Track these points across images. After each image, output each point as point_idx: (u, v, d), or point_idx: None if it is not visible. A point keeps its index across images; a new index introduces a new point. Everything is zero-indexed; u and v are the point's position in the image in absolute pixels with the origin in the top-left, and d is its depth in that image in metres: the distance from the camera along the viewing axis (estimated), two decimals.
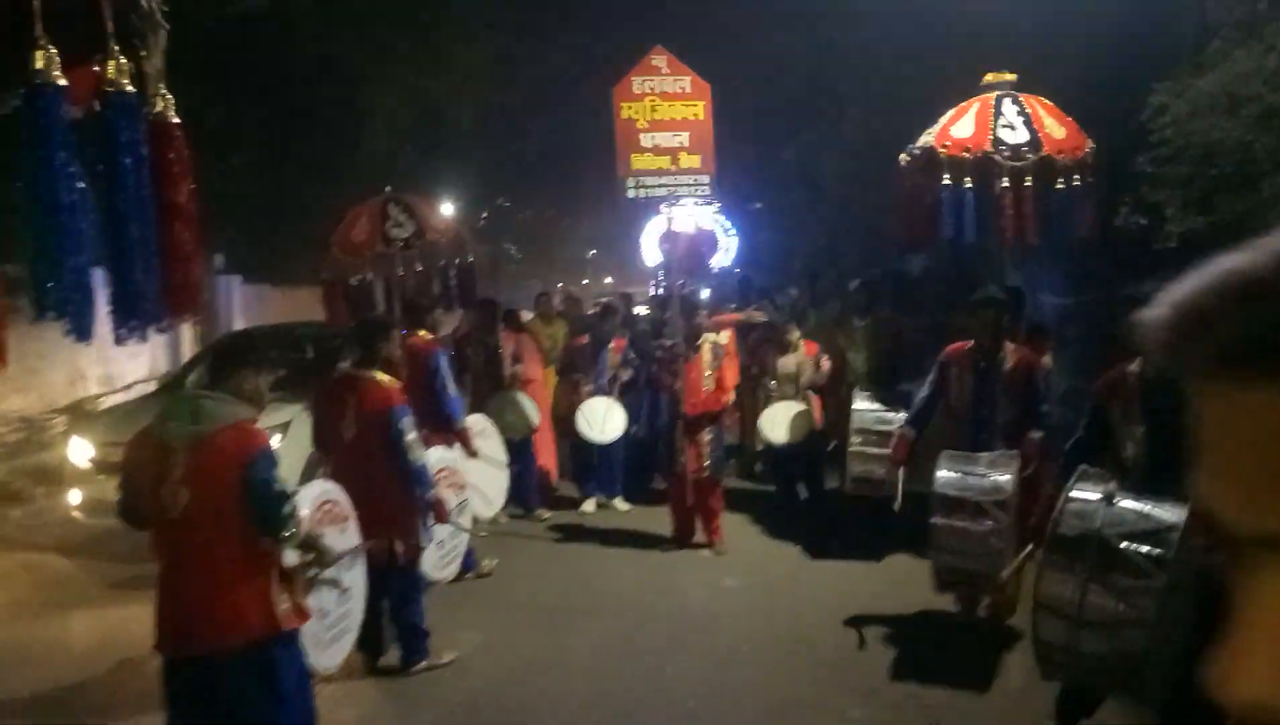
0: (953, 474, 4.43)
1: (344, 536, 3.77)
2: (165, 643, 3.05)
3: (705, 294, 9.89)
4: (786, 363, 7.33)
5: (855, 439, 5.85)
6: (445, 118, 15.65)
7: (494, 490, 6.37)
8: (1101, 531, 3.02)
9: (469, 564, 5.92)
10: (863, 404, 5.92)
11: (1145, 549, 2.97)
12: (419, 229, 7.20)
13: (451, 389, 5.87)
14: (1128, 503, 3.08)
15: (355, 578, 4.05)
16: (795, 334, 7.43)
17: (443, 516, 4.71)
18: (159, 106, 2.86)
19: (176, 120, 2.91)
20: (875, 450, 5.84)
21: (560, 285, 14.72)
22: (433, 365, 5.81)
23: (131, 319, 2.79)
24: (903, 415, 5.49)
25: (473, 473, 5.77)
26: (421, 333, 6.09)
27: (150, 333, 2.94)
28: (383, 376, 4.53)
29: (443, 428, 5.72)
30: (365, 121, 14.88)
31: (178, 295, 2.94)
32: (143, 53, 2.86)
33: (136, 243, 2.74)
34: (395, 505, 4.44)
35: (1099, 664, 3.04)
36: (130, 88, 2.72)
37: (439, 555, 5.03)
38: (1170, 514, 3.00)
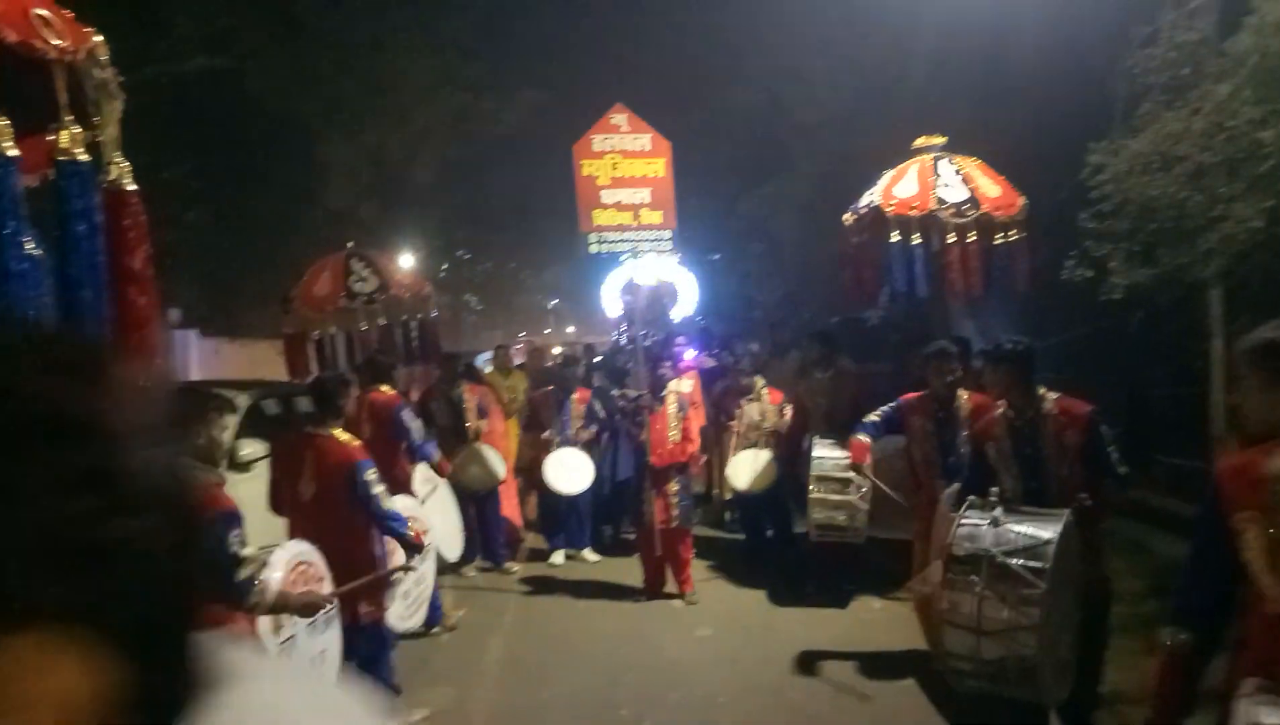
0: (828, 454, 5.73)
1: (330, 598, 3.76)
2: None
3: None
4: (751, 411, 7.50)
5: (816, 487, 5.94)
6: (405, 173, 15.79)
7: (450, 540, 6.42)
8: (990, 551, 3.43)
9: (435, 618, 5.91)
10: (822, 452, 6.03)
11: (1027, 563, 3.38)
12: (382, 283, 7.26)
13: (418, 435, 5.99)
14: (1010, 525, 3.51)
15: (328, 640, 4.04)
16: (760, 383, 7.60)
17: (419, 544, 4.67)
18: (114, 174, 2.90)
19: (132, 187, 2.94)
20: (836, 497, 5.96)
21: (523, 336, 14.76)
22: (395, 419, 5.90)
23: None
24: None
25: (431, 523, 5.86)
26: (384, 388, 6.15)
27: None
28: (341, 433, 4.53)
29: (404, 481, 5.83)
30: (325, 176, 14.96)
31: (135, 360, 2.95)
32: (97, 120, 2.90)
33: (90, 309, 2.76)
34: (359, 562, 4.43)
35: (1000, 668, 3.38)
36: (84, 156, 2.76)
37: (404, 606, 5.03)
38: (1045, 531, 3.43)
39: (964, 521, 3.56)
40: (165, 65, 11.92)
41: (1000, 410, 4.01)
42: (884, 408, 5.50)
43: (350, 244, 7.69)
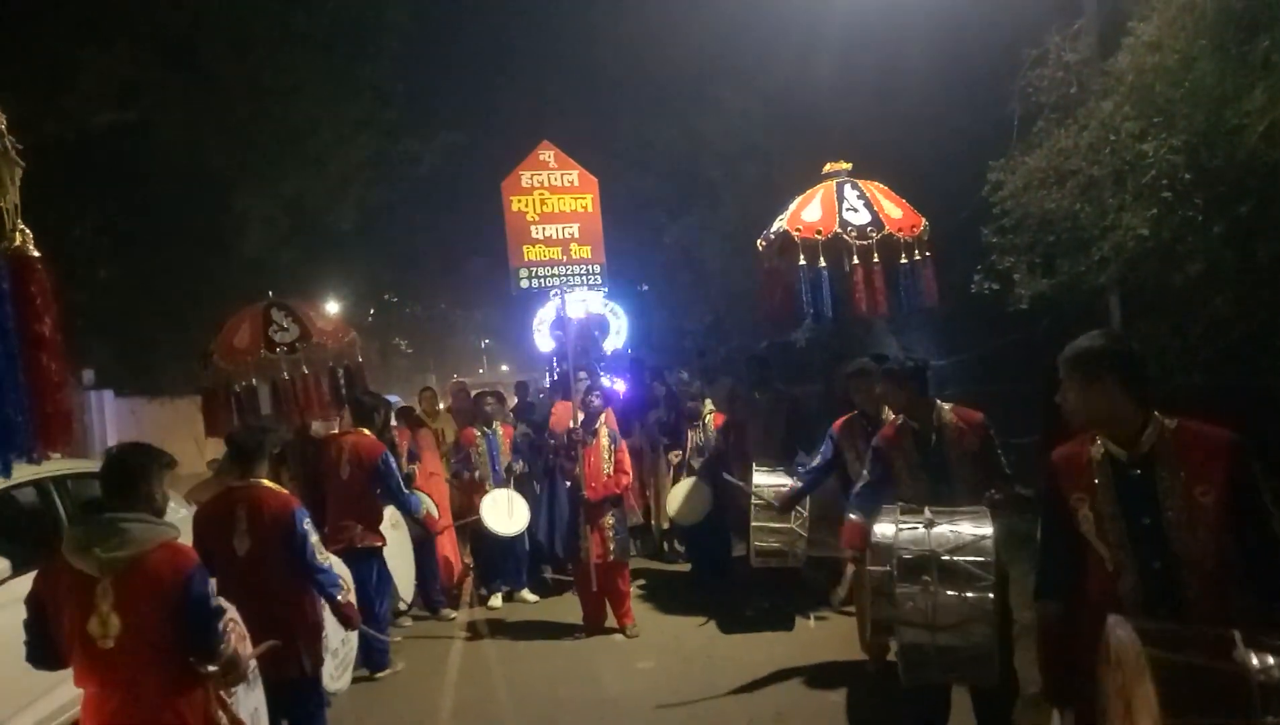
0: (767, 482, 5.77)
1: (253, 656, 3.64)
2: None
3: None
4: (696, 438, 7.56)
5: (756, 515, 5.98)
6: (325, 219, 15.57)
7: (405, 583, 6.41)
8: (935, 551, 3.61)
9: (384, 663, 5.95)
10: (762, 479, 6.08)
11: (972, 558, 3.57)
12: (304, 332, 7.11)
13: (400, 484, 6.14)
14: (944, 526, 3.70)
15: (258, 699, 3.91)
16: (707, 408, 7.64)
17: (355, 622, 4.59)
18: (17, 241, 2.84)
19: (36, 253, 2.89)
20: (776, 524, 6.01)
21: (454, 377, 14.58)
22: (380, 466, 6.01)
23: (2, 453, 2.73)
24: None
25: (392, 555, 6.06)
26: (365, 431, 6.26)
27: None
28: (272, 484, 4.43)
29: (373, 526, 5.95)
30: (241, 227, 14.67)
31: (49, 426, 2.87)
32: None
33: (1, 376, 2.70)
34: (296, 616, 4.30)
35: (954, 658, 3.56)
36: None
37: (334, 665, 4.91)
38: (979, 528, 3.66)
39: (903, 527, 3.72)
40: (71, 121, 11.61)
41: (901, 422, 4.27)
42: (821, 450, 5.59)
43: (270, 294, 7.53)
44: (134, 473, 3.01)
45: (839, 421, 5.47)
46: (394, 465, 6.18)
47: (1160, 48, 5.55)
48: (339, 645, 5.01)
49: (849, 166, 6.09)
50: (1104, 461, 2.62)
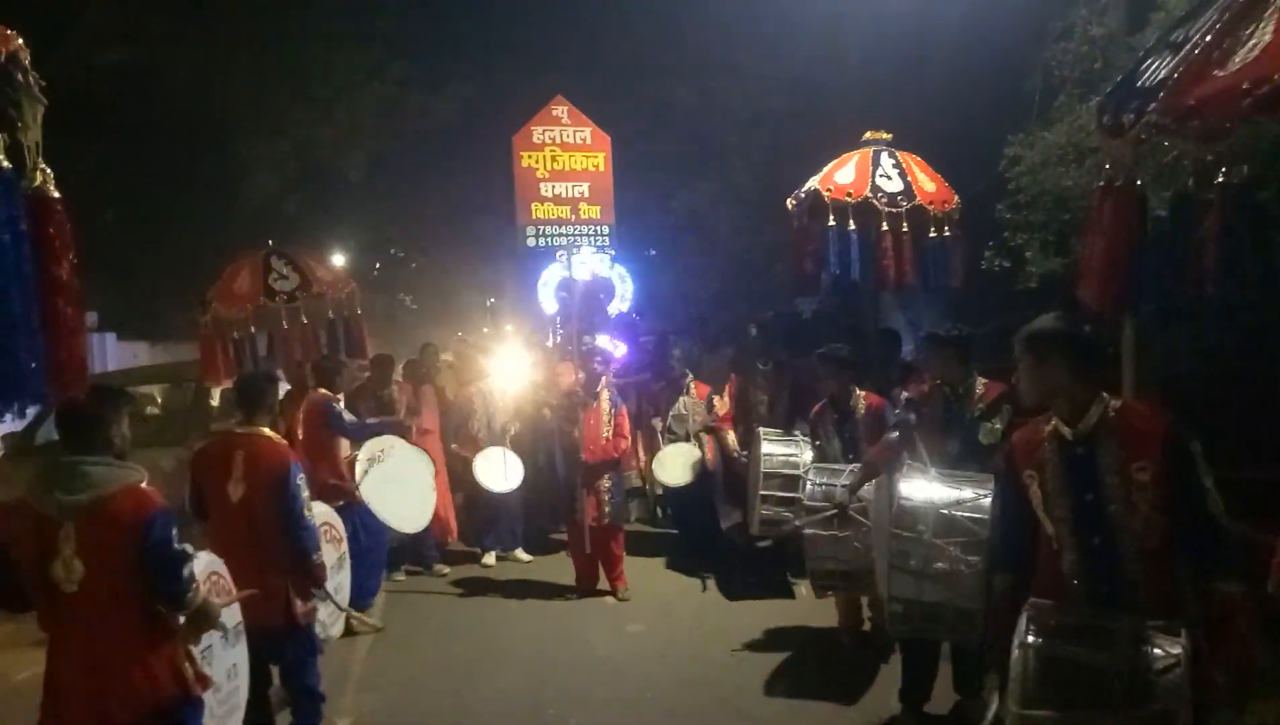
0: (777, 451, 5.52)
1: (227, 611, 3.63)
2: (64, 719, 2.86)
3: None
4: (678, 406, 7.51)
5: (765, 483, 5.91)
6: (333, 168, 15.39)
7: (408, 513, 6.36)
8: (935, 502, 3.70)
9: (373, 588, 6.15)
10: (770, 448, 6.00)
11: (969, 514, 3.65)
12: (303, 282, 7.05)
13: (351, 421, 6.21)
14: (943, 482, 3.82)
15: (239, 654, 3.92)
16: (689, 378, 7.60)
17: (320, 583, 4.55)
18: (38, 181, 2.78)
19: (57, 194, 2.83)
20: (783, 494, 5.92)
21: (459, 334, 14.49)
22: (325, 411, 6.02)
23: (14, 397, 2.67)
24: (808, 456, 5.63)
25: (383, 494, 6.03)
26: (322, 390, 6.24)
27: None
28: (273, 434, 4.40)
29: (338, 481, 5.95)
30: (248, 173, 14.52)
31: (62, 371, 2.82)
32: (19, 125, 2.78)
33: (19, 321, 2.64)
34: (281, 567, 4.29)
35: (938, 610, 3.64)
36: (6, 163, 2.65)
37: (326, 612, 4.93)
38: (980, 488, 3.70)
39: (906, 478, 3.83)
40: (75, 58, 11.43)
41: (935, 385, 4.36)
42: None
43: (270, 242, 7.45)
44: (93, 415, 2.95)
45: (815, 409, 5.44)
46: (335, 408, 6.17)
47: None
48: (332, 592, 5.01)
49: (889, 136, 5.95)
50: (1053, 440, 2.75)
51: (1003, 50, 7.27)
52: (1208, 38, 2.94)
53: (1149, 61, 3.28)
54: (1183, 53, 3.04)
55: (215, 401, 8.31)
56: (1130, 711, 2.34)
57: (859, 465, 4.77)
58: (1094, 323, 3.03)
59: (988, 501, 3.65)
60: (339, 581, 5.06)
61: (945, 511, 3.70)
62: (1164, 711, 2.33)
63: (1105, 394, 2.72)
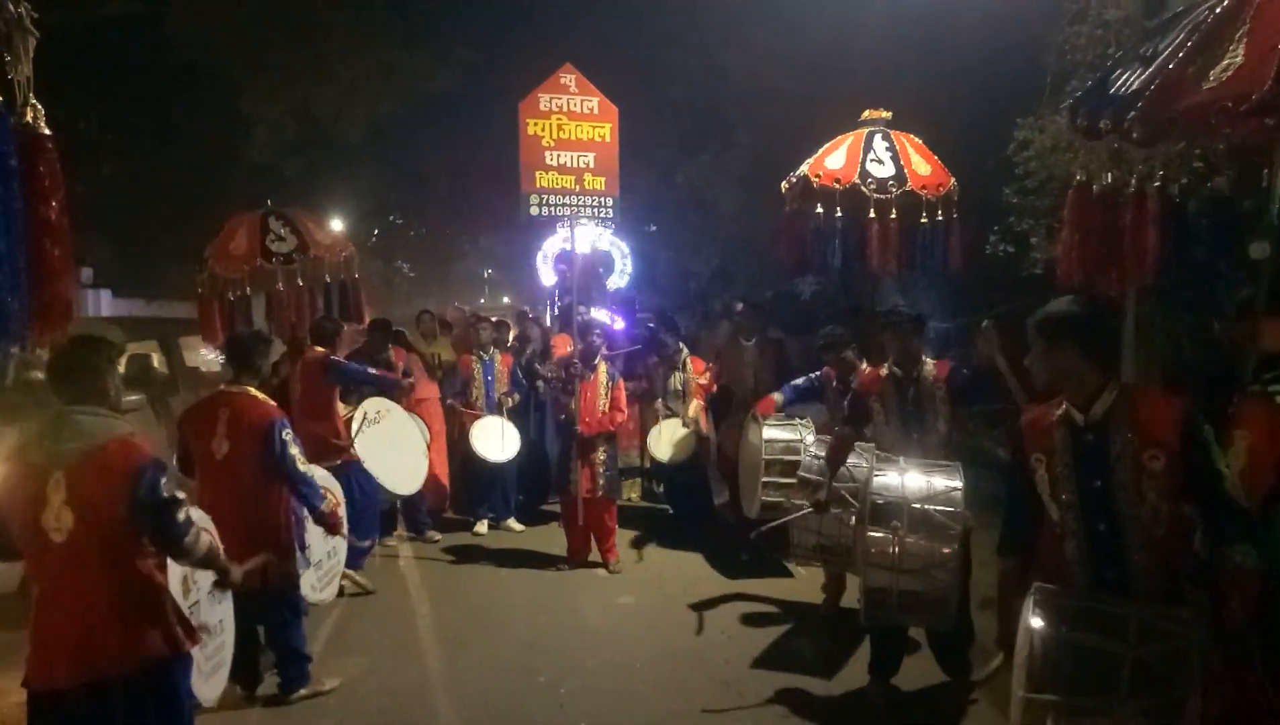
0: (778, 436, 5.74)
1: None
2: (51, 672, 2.82)
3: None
4: (674, 381, 7.50)
5: (767, 470, 5.90)
6: (333, 130, 15.22)
7: (402, 474, 6.36)
8: (907, 497, 3.78)
9: (363, 552, 6.07)
10: (772, 433, 6.00)
11: (943, 508, 3.74)
12: (301, 244, 6.99)
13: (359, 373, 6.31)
14: (916, 474, 3.91)
15: (225, 610, 3.92)
16: (684, 353, 7.59)
17: (339, 529, 4.59)
18: (28, 117, 2.72)
19: (47, 131, 2.78)
20: (784, 479, 5.90)
21: (455, 304, 14.41)
22: (328, 366, 6.03)
23: None
24: (810, 439, 5.64)
25: (378, 454, 6.05)
26: (318, 349, 6.18)
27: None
28: (257, 392, 4.41)
29: (334, 439, 5.94)
30: (248, 132, 14.36)
31: (47, 314, 2.77)
32: (8, 59, 2.71)
33: (3, 258, 2.58)
34: (270, 524, 4.31)
35: (914, 601, 3.77)
36: None
37: (317, 577, 4.93)
38: (951, 480, 3.85)
39: (877, 471, 3.91)
40: (78, 8, 11.25)
41: (885, 370, 4.47)
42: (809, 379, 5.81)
43: (269, 202, 7.38)
44: (86, 365, 2.91)
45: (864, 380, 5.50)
46: (340, 363, 6.18)
47: None
48: (324, 557, 5.01)
49: (889, 116, 5.89)
50: (1063, 424, 2.75)
51: (1015, 30, 7.17)
52: (1180, 54, 3.14)
53: (1119, 71, 3.50)
54: (1154, 66, 3.26)
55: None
56: (1139, 698, 2.36)
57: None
58: (1107, 308, 3.04)
59: (959, 493, 3.79)
60: (334, 544, 5.05)
61: (918, 506, 3.77)
62: (1173, 699, 2.34)
63: (1116, 379, 2.73)
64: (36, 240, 2.72)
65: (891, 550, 3.72)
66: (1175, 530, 2.64)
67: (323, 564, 5.02)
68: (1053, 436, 2.76)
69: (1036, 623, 2.51)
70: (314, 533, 4.67)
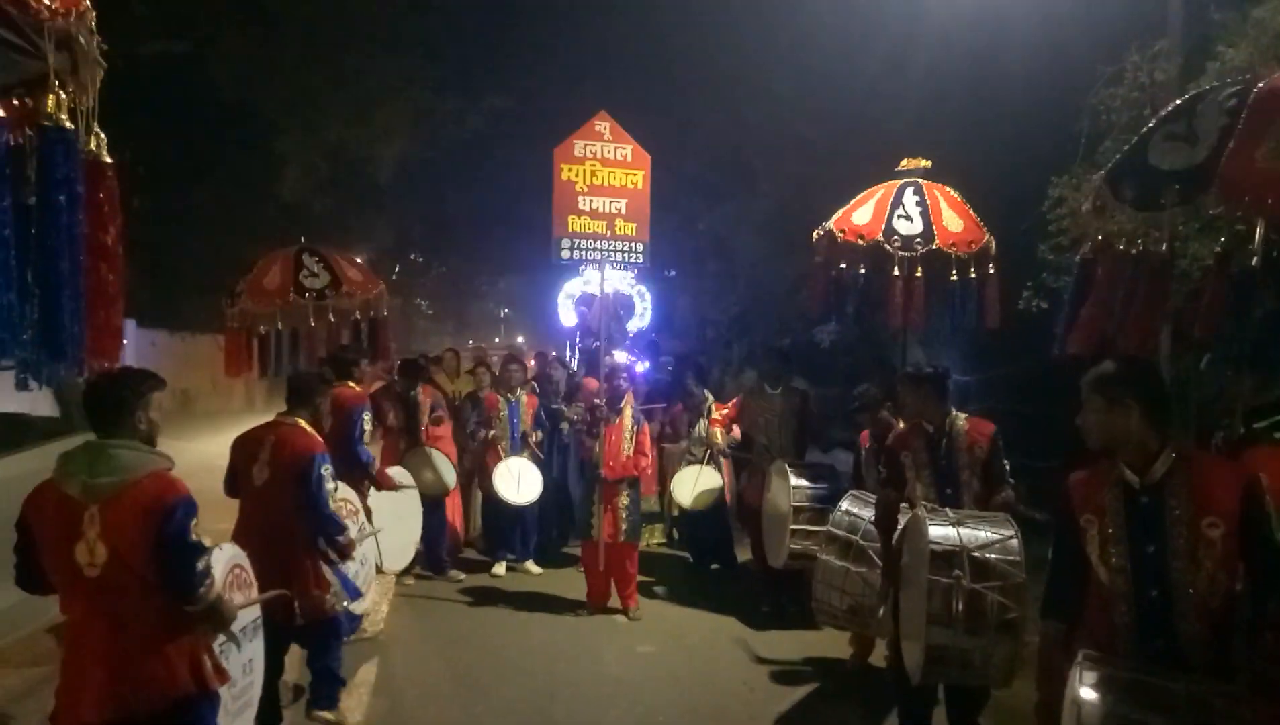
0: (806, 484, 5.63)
1: (245, 610, 3.57)
2: (79, 708, 2.76)
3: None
4: (698, 428, 7.46)
5: (795, 517, 5.84)
6: (363, 171, 15.46)
7: (401, 546, 6.26)
8: (966, 546, 3.55)
9: (353, 626, 5.78)
10: (798, 481, 5.94)
11: (1001, 557, 3.53)
12: (334, 280, 7.05)
13: (361, 436, 5.91)
14: (968, 527, 3.64)
15: (256, 649, 3.86)
16: (709, 400, 7.56)
17: (348, 555, 4.57)
18: (93, 144, 2.77)
19: (109, 160, 2.82)
20: (812, 528, 5.84)
21: (471, 343, 14.50)
22: (350, 414, 5.81)
23: (53, 361, 2.61)
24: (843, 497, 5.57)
25: (384, 524, 5.78)
26: (350, 384, 6.10)
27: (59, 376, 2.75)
28: (306, 425, 4.46)
29: (357, 475, 5.75)
30: (279, 170, 14.59)
31: (99, 339, 2.78)
32: (71, 89, 2.76)
33: (66, 283, 2.60)
34: (294, 566, 4.30)
35: (967, 657, 3.48)
36: (69, 124, 2.63)
37: (361, 608, 4.99)
38: (1003, 529, 3.62)
39: (931, 522, 3.67)
40: (119, 45, 11.54)
41: (914, 424, 4.31)
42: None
43: (303, 239, 7.46)
44: (120, 397, 2.89)
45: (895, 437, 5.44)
46: (361, 416, 5.89)
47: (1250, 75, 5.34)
48: (358, 568, 4.98)
49: (928, 165, 5.88)
50: (1117, 486, 2.67)
51: (1052, 91, 7.23)
52: (1226, 134, 3.19)
53: (1156, 146, 3.56)
54: (1202, 144, 3.31)
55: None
56: None
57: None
58: (1155, 370, 2.98)
59: (1014, 542, 3.57)
60: (362, 553, 5.00)
61: (978, 554, 3.56)
62: None
63: (1174, 442, 2.66)
64: (94, 265, 2.74)
65: (956, 602, 3.48)
66: (1230, 602, 2.55)
67: (358, 574, 4.99)
68: (1104, 497, 2.68)
69: (1087, 694, 2.41)
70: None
